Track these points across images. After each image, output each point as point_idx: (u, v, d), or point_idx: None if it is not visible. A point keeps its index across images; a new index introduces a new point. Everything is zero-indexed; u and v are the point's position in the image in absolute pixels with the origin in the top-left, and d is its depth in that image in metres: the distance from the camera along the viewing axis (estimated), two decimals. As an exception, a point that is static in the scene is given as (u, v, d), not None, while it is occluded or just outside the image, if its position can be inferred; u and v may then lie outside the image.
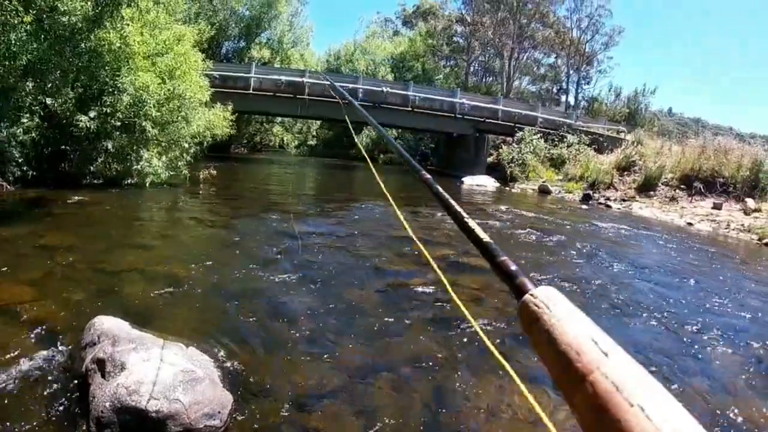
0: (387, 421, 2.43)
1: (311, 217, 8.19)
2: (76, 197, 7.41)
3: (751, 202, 13.15)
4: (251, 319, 3.53)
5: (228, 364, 2.76)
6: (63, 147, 8.39)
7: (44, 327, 3.10)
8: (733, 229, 11.56)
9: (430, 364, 3.10)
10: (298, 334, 3.32)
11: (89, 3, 6.89)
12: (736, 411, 2.86)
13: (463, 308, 0.82)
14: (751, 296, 5.51)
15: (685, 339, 3.89)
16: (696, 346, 3.78)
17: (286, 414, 2.38)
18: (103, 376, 2.25)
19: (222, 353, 2.88)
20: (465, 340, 3.44)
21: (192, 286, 4.14)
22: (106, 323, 2.75)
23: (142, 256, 5.02)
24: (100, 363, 2.33)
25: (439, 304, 4.11)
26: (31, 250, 4.76)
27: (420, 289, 4.45)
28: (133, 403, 2.00)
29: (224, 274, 4.56)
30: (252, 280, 4.46)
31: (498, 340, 3.48)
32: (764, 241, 10.60)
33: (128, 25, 7.95)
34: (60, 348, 2.85)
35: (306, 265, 4.97)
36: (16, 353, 2.73)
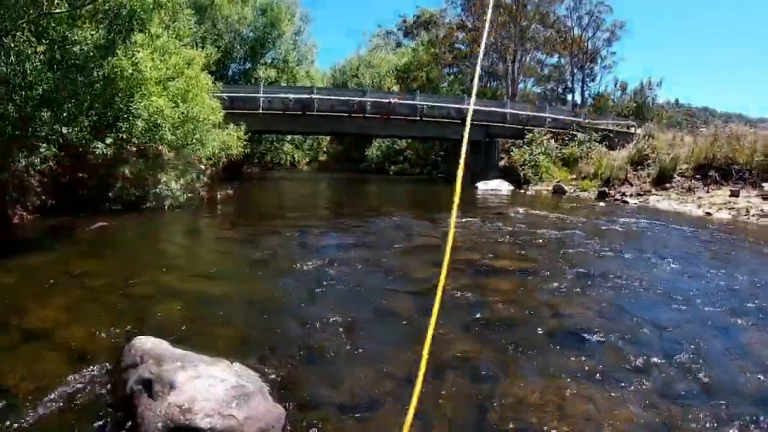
0: (439, 423, 2.39)
1: (331, 230, 8.18)
2: (97, 223, 7.44)
3: (768, 187, 12.94)
4: (287, 332, 3.50)
5: (273, 378, 2.72)
6: (81, 174, 8.46)
7: (80, 351, 3.08)
8: (753, 215, 11.36)
9: (474, 365, 3.06)
10: (336, 343, 3.28)
11: (101, 32, 6.99)
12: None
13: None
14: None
15: (719, 325, 3.81)
16: (731, 331, 3.72)
17: (338, 423, 2.33)
18: (150, 396, 2.21)
19: (266, 367, 2.85)
20: (504, 341, 3.39)
21: (223, 302, 4.13)
22: (148, 343, 2.73)
23: (170, 277, 5.01)
24: (147, 383, 2.29)
25: (475, 307, 4.06)
26: (59, 277, 4.76)
27: (452, 292, 4.40)
28: (187, 422, 1.96)
29: (254, 289, 4.55)
30: (283, 293, 4.44)
31: (527, 338, 3.46)
32: (786, 225, 10.42)
33: (139, 51, 8.06)
34: (98, 371, 2.82)
35: (334, 276, 4.93)
36: (54, 378, 2.69)
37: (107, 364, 2.88)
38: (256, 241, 6.93)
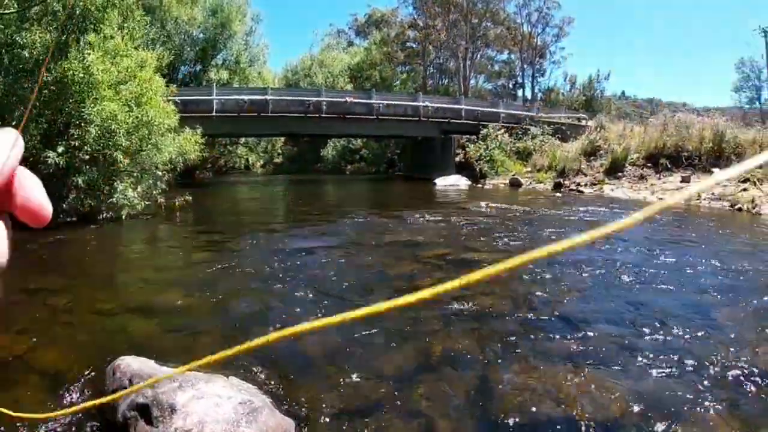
0: (440, 420, 2.38)
1: (294, 233, 7.97)
2: (53, 237, 7.05)
3: (718, 172, 13.60)
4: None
5: (272, 389, 2.61)
6: None
7: (55, 376, 2.88)
8: (705, 199, 11.92)
9: (466, 359, 3.06)
10: (325, 348, 3.19)
11: (50, 35, 6.59)
12: (753, 362, 2.91)
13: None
14: (738, 257, 5.69)
15: (689, 304, 3.96)
16: (698, 308, 3.88)
17: (345, 429, 2.25)
18: (149, 422, 2.06)
19: (260, 379, 2.73)
20: (485, 330, 3.42)
21: (196, 313, 3.96)
22: (134, 364, 2.56)
23: (137, 291, 4.78)
24: (143, 408, 2.14)
25: (453, 299, 4.04)
26: (18, 296, 4.45)
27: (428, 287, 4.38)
28: (198, 446, 1.84)
29: (226, 297, 4.38)
30: (257, 299, 4.30)
31: (510, 327, 3.49)
32: (736, 206, 10.97)
33: (90, 53, 7.64)
34: (78, 398, 2.64)
35: (308, 279, 4.82)
36: (28, 410, 2.48)
37: (86, 391, 2.69)
38: (219, 248, 6.72)
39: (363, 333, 3.47)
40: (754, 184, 12.17)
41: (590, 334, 3.34)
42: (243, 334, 3.58)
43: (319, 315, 3.70)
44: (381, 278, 4.94)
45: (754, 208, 10.55)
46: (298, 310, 3.90)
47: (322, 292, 4.36)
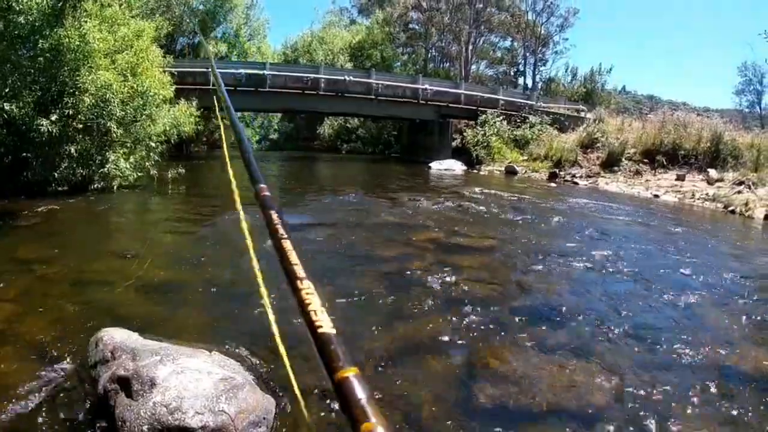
0: (424, 405, 2.41)
1: (288, 210, 7.93)
2: (44, 206, 7.00)
3: (713, 173, 13.65)
4: (256, 316, 3.34)
5: (255, 366, 2.62)
6: (24, 154, 7.87)
7: (41, 346, 2.87)
8: (698, 199, 11.98)
9: (449, 342, 3.10)
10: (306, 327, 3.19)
11: (47, 0, 6.45)
12: (733, 360, 2.99)
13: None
14: (727, 258, 5.76)
15: (673, 302, 4.00)
16: (684, 307, 3.91)
17: (327, 411, 2.26)
18: (129, 395, 2.07)
19: (245, 354, 2.74)
20: (474, 317, 3.43)
21: (185, 288, 3.96)
22: (117, 336, 2.56)
23: (125, 263, 4.75)
24: (123, 381, 2.15)
25: (443, 285, 4.06)
26: (6, 266, 4.42)
27: (419, 272, 4.40)
28: (177, 422, 1.85)
29: (215, 272, 4.38)
30: (246, 276, 4.28)
31: (499, 315, 3.51)
32: (729, 208, 11.03)
33: (86, 21, 7.50)
34: (61, 369, 2.63)
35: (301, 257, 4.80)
36: (17, 379, 2.49)
37: (70, 361, 2.69)
38: (212, 222, 6.69)
39: (347, 310, 3.49)
40: (749, 187, 12.23)
41: (574, 328, 3.38)
42: (226, 307, 3.59)
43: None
44: (369, 260, 4.94)
45: (747, 211, 10.61)
46: (284, 290, 3.87)
47: (311, 273, 4.34)
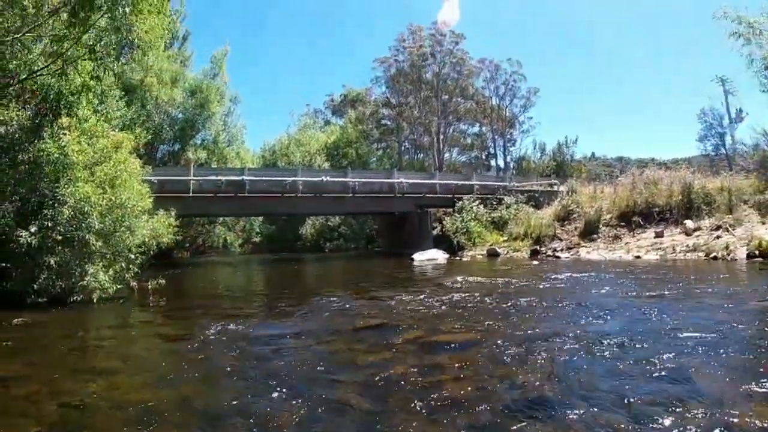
0: None
1: (270, 319, 7.65)
2: (21, 319, 6.84)
3: (690, 223, 13.93)
4: None
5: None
6: (4, 264, 7.85)
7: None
8: (680, 252, 12.13)
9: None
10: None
11: (27, 113, 6.68)
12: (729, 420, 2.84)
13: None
14: (715, 309, 5.71)
15: (682, 377, 3.84)
16: (676, 366, 3.81)
17: None
18: None
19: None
20: (458, 421, 3.20)
21: (166, 411, 3.66)
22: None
23: (105, 383, 4.49)
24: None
25: (424, 387, 3.84)
26: (-24, 383, 4.21)
27: (399, 377, 4.16)
28: None
29: (198, 392, 4.09)
30: (226, 395, 3.99)
31: (482, 416, 3.28)
32: (711, 255, 11.14)
33: (65, 134, 7.73)
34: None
35: (276, 370, 4.56)
36: None
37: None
38: (192, 337, 6.38)
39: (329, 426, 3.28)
40: (727, 230, 12.47)
41: (562, 419, 3.20)
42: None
43: (286, 413, 3.53)
44: (350, 369, 4.69)
45: (729, 254, 10.73)
46: (267, 409, 3.64)
47: (289, 388, 4.10)
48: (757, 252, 10.34)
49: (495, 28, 71.34)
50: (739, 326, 4.90)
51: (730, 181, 15.30)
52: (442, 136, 34.44)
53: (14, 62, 7.44)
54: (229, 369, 4.68)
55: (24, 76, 6.53)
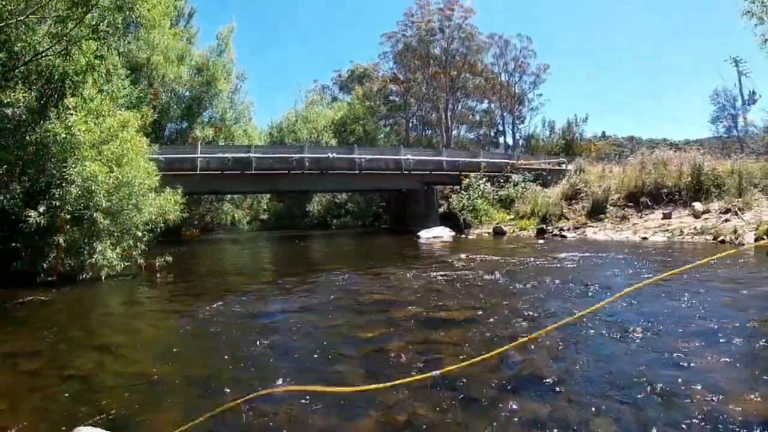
0: None
1: (276, 295, 7.78)
2: (31, 297, 6.99)
3: (698, 206, 13.77)
4: (237, 415, 3.17)
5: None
6: (14, 244, 8.02)
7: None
8: (687, 234, 12.02)
9: (430, 425, 2.92)
10: (292, 423, 3.04)
11: (32, 94, 6.74)
12: (730, 407, 2.84)
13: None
14: (721, 294, 5.69)
15: (670, 348, 3.88)
16: (681, 352, 3.79)
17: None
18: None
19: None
20: (456, 399, 3.25)
21: (171, 384, 3.80)
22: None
23: (111, 357, 4.63)
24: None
25: (421, 363, 3.90)
26: (-10, 360, 4.36)
27: (399, 351, 4.24)
28: None
29: (201, 366, 4.21)
30: (229, 370, 4.10)
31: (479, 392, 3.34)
32: (719, 238, 11.05)
33: (72, 114, 7.80)
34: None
35: (281, 345, 4.66)
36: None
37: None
38: (198, 313, 6.51)
39: (328, 401, 3.37)
40: (736, 213, 12.35)
41: (562, 399, 3.23)
42: (204, 405, 3.43)
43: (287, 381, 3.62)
44: (350, 343, 4.77)
45: (737, 239, 10.64)
46: (268, 384, 3.72)
47: (290, 360, 4.20)
48: (765, 237, 10.24)
49: (506, 2, 69.81)
50: (744, 312, 4.88)
51: (741, 164, 14.94)
52: (450, 113, 34.16)
53: (19, 44, 7.54)
54: (227, 346, 4.79)
55: (29, 58, 6.56)
